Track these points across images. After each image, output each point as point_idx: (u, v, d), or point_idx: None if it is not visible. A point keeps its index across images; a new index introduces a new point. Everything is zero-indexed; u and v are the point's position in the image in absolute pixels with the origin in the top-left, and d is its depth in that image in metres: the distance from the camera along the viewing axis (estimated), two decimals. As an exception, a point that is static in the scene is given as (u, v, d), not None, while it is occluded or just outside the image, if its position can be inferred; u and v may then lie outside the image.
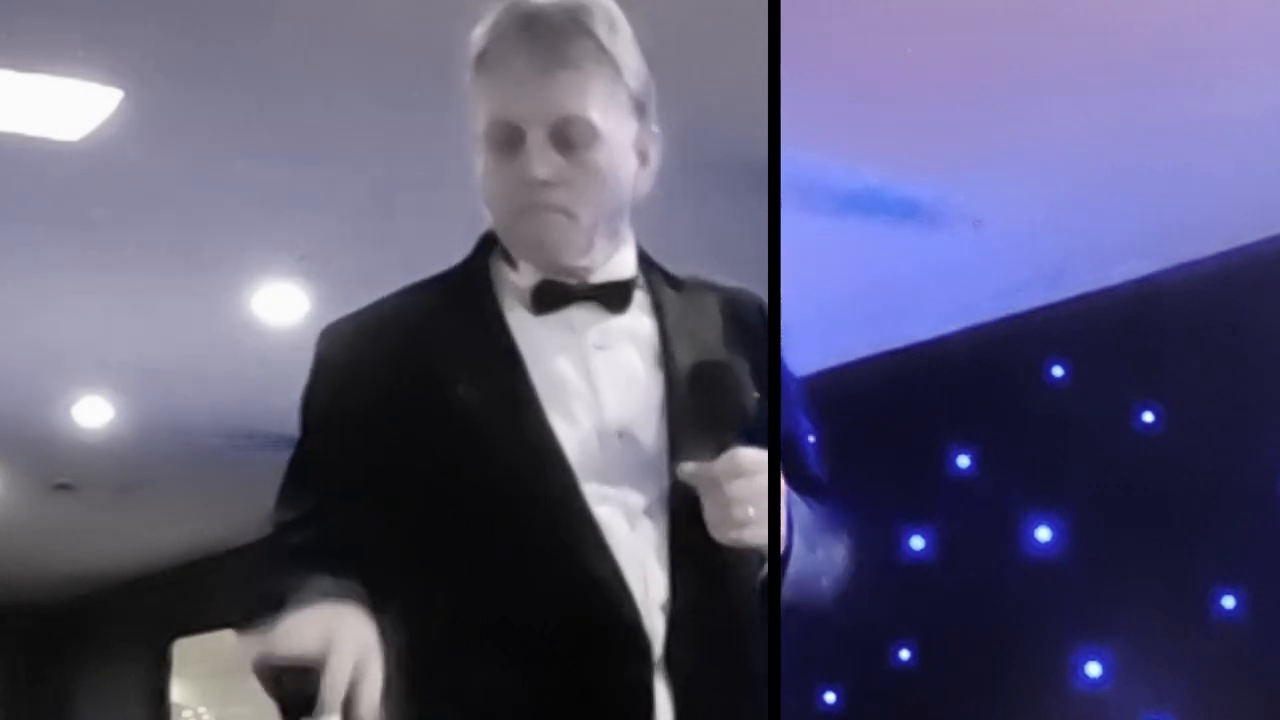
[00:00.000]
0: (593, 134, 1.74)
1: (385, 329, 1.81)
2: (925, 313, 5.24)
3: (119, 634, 12.09)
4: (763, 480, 1.65)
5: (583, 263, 1.78)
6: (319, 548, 1.66)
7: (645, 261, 1.89)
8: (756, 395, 1.77)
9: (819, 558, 1.84)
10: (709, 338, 1.82)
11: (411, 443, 1.71)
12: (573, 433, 1.71)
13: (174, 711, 12.05)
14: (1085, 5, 3.56)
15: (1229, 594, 4.27)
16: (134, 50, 4.03)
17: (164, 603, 11.43)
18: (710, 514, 1.65)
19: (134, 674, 11.93)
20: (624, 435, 1.73)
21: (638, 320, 1.80)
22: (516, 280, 1.80)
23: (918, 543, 4.91)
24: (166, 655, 11.74)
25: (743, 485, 1.64)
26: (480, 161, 1.81)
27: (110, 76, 4.14)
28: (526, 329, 1.76)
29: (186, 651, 11.72)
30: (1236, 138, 4.02)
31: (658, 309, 1.82)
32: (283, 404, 7.83)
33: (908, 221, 4.56)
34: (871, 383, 5.12)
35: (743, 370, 1.78)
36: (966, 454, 4.93)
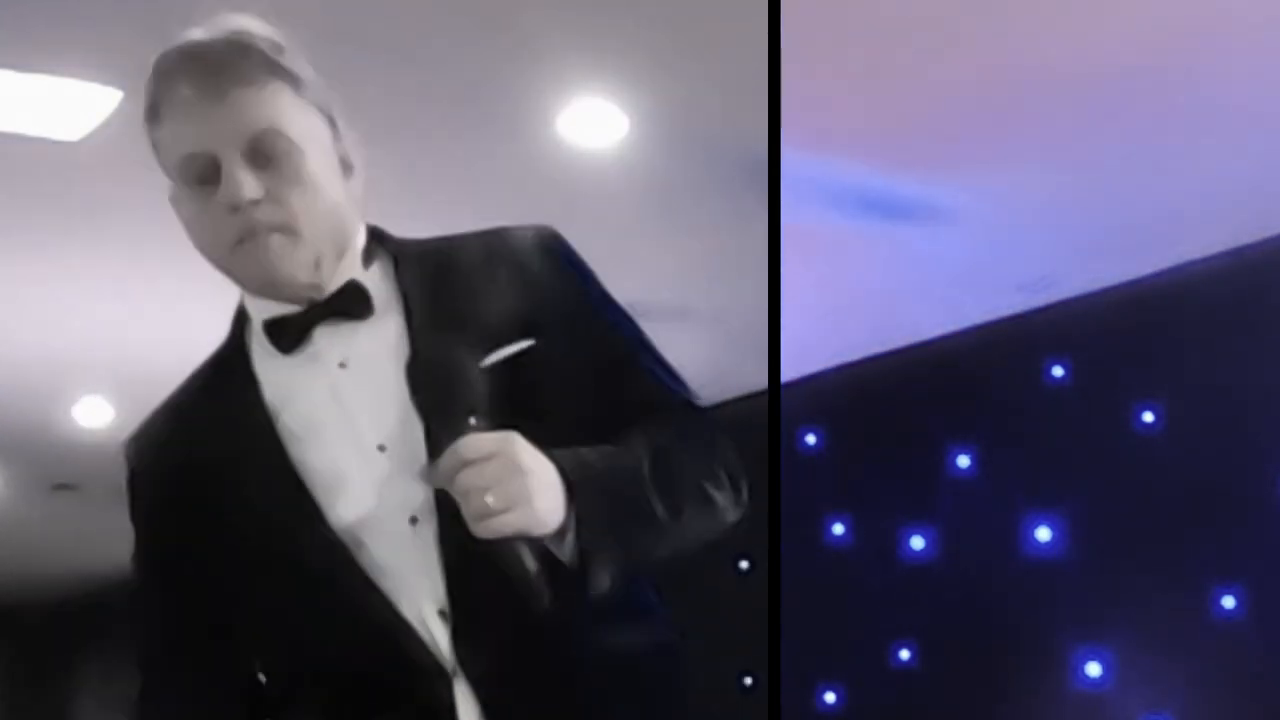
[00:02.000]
0: (288, 144, 1.70)
1: (170, 424, 1.87)
2: (925, 313, 5.24)
3: (119, 634, 12.10)
4: (498, 465, 1.54)
5: (312, 280, 1.73)
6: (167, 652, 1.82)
7: (395, 247, 1.85)
8: (522, 343, 1.68)
9: (645, 524, 1.67)
10: (460, 298, 1.74)
11: (202, 525, 1.74)
12: (328, 463, 1.68)
13: (174, 711, 12.06)
14: (1086, 5, 3.57)
15: (1229, 594, 4.27)
16: (134, 50, 4.03)
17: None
18: (462, 510, 1.56)
19: (134, 674, 11.93)
20: (384, 448, 1.68)
21: (383, 321, 1.74)
22: (255, 327, 1.79)
23: (918, 543, 4.91)
24: (166, 655, 11.76)
25: (473, 475, 1.54)
26: (182, 205, 1.79)
27: (110, 76, 4.13)
28: (275, 372, 1.75)
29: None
30: (1236, 137, 4.02)
31: (405, 300, 1.75)
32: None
33: (908, 221, 4.56)
34: (871, 383, 5.12)
35: (467, 353, 1.66)
36: (966, 454, 4.93)
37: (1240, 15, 3.55)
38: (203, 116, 1.69)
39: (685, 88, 4.11)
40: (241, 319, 1.85)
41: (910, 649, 4.84)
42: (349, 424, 1.69)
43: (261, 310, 1.78)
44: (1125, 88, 3.84)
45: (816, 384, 5.08)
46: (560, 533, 1.58)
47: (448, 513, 1.60)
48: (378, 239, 1.84)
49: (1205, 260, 4.50)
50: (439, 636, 1.64)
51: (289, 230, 1.69)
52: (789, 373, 3.79)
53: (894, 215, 4.52)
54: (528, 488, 1.55)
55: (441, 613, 1.64)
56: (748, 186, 3.59)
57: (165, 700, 1.79)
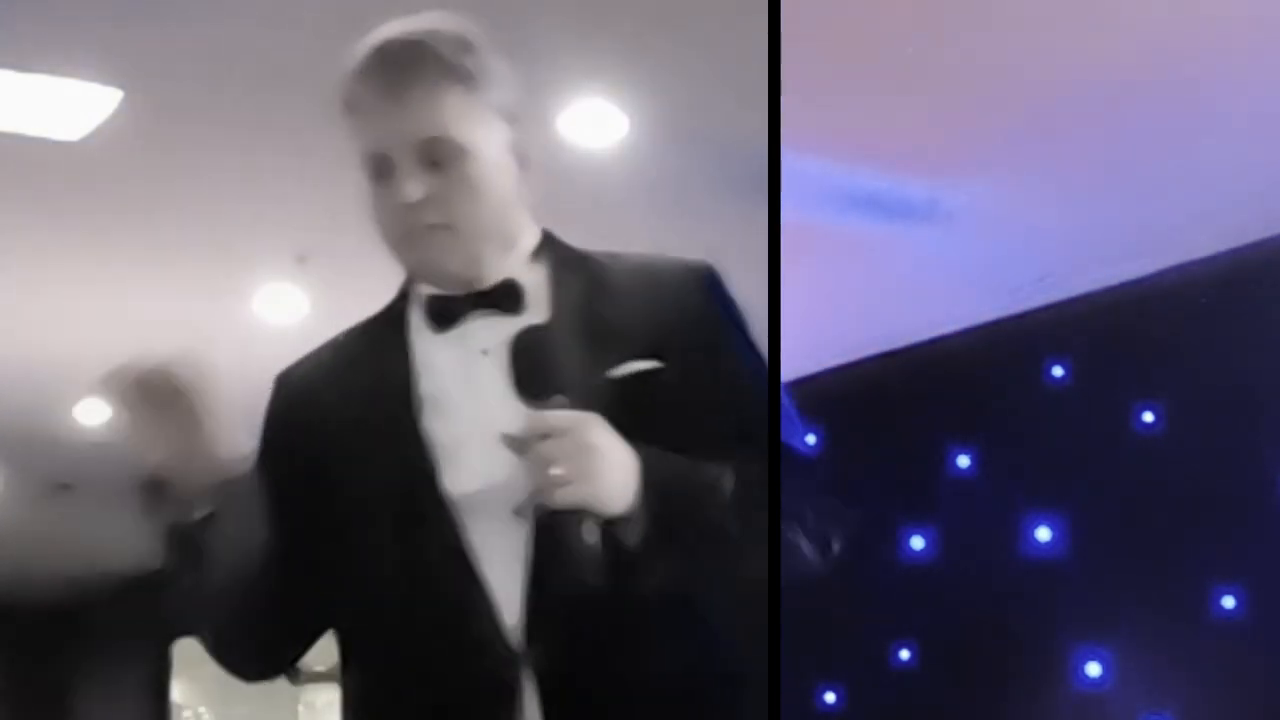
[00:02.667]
0: (458, 149, 1.80)
1: (323, 370, 1.96)
2: (925, 313, 5.24)
3: (119, 634, 12.08)
4: (569, 440, 1.64)
5: (469, 275, 1.85)
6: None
7: (557, 250, 1.92)
8: (649, 362, 1.76)
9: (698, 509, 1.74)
10: (603, 308, 1.82)
11: (310, 465, 1.85)
12: (451, 438, 1.78)
13: (174, 711, 12.04)
14: (1086, 7, 3.57)
15: (1229, 594, 4.27)
16: (134, 50, 4.03)
17: (164, 603, 11.41)
18: (531, 481, 1.67)
19: (134, 674, 11.92)
20: (507, 436, 1.74)
21: (532, 319, 1.83)
22: (418, 300, 1.91)
23: (918, 543, 4.91)
24: (166, 655, 11.74)
25: (551, 446, 1.64)
26: (365, 197, 1.90)
27: (110, 76, 4.14)
28: (427, 347, 1.86)
29: (186, 651, 11.72)
30: (1236, 138, 4.02)
31: (555, 300, 1.85)
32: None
33: (908, 221, 4.56)
34: (871, 383, 5.12)
35: (595, 360, 1.76)
36: (966, 454, 4.93)
37: (1240, 16, 3.55)
38: (381, 118, 1.82)
39: (685, 88, 4.12)
40: (407, 288, 1.95)
41: (910, 649, 4.84)
42: (479, 407, 1.77)
43: (425, 288, 1.89)
44: (1125, 88, 3.84)
45: (816, 384, 5.08)
46: (626, 518, 1.66)
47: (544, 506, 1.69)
48: (548, 242, 1.93)
49: (1205, 260, 4.49)
50: (514, 621, 1.72)
51: (452, 228, 1.80)
52: (789, 373, 3.79)
53: (894, 215, 4.52)
54: (594, 465, 1.65)
55: (524, 602, 1.72)
56: (748, 186, 3.58)
57: (236, 634, 1.92)
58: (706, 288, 1.88)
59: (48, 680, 12.83)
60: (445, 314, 1.85)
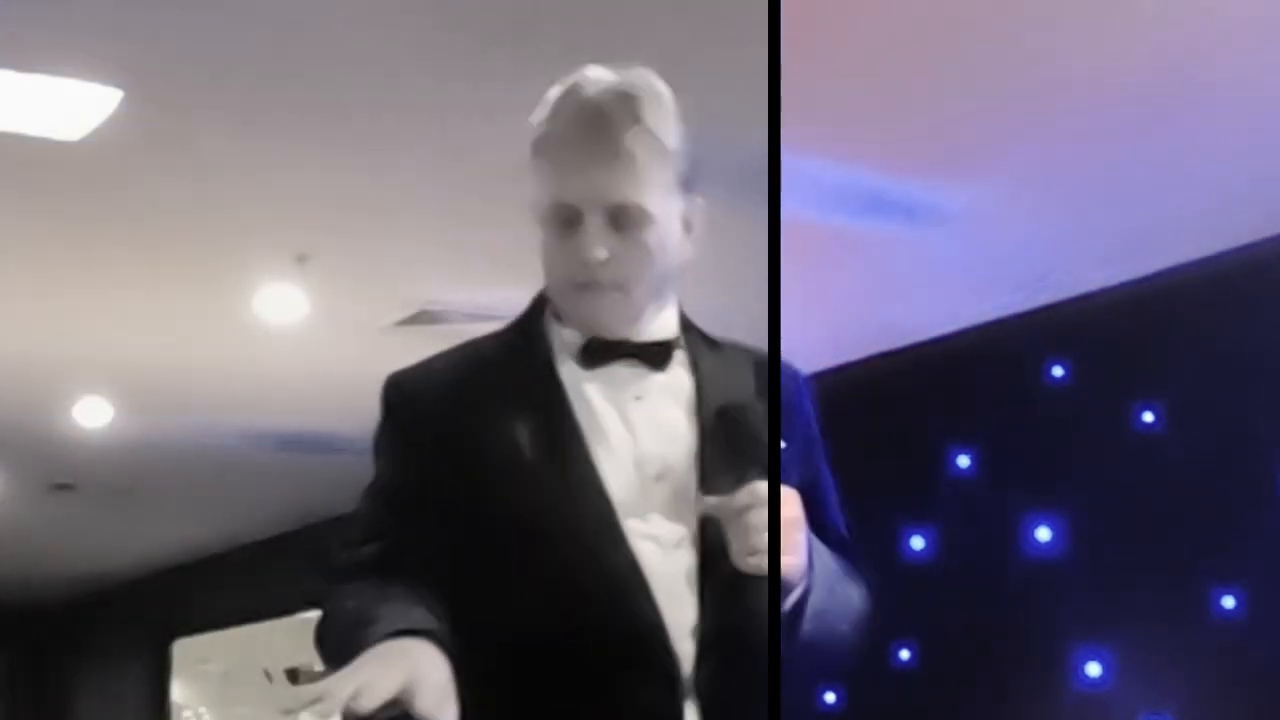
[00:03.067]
0: (644, 217, 1.87)
1: (444, 377, 1.96)
2: (925, 313, 5.24)
3: (119, 634, 12.08)
4: (784, 512, 1.78)
5: (627, 333, 1.92)
6: (383, 563, 1.84)
7: (685, 323, 2.02)
8: (783, 444, 1.91)
9: (839, 600, 1.94)
10: (741, 392, 1.95)
11: (466, 476, 1.86)
12: (613, 472, 1.86)
13: (174, 711, 12.04)
14: (1086, 8, 3.57)
15: (1229, 594, 4.27)
16: (134, 50, 4.02)
17: (164, 603, 11.42)
18: (732, 543, 1.77)
19: (134, 674, 11.93)
20: (660, 478, 1.86)
21: (676, 376, 1.94)
22: (567, 337, 1.93)
23: (918, 543, 4.92)
24: (166, 655, 11.75)
25: (760, 514, 1.76)
26: (541, 235, 1.94)
27: (110, 76, 4.13)
28: (574, 380, 1.91)
29: (186, 651, 11.72)
30: (1236, 138, 4.02)
31: (695, 366, 1.96)
32: (282, 404, 7.83)
33: (908, 221, 4.56)
34: (871, 383, 5.13)
35: (760, 414, 1.91)
36: (966, 454, 4.93)
37: (1240, 17, 3.55)
38: (581, 175, 1.87)
39: (685, 88, 4.11)
40: (542, 308, 1.99)
41: (910, 649, 4.84)
42: (633, 445, 1.87)
43: (582, 331, 1.94)
44: (1125, 90, 3.84)
45: (817, 384, 5.08)
46: (790, 589, 1.82)
47: (711, 546, 1.81)
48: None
49: (1205, 260, 4.50)
50: (685, 652, 1.80)
51: (624, 289, 1.88)
52: (789, 373, 3.79)
53: (894, 215, 4.53)
54: (798, 540, 1.80)
55: (690, 631, 1.81)
56: (748, 186, 3.58)
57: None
58: (800, 387, 2.06)
59: (48, 680, 12.84)
60: (598, 355, 1.92)
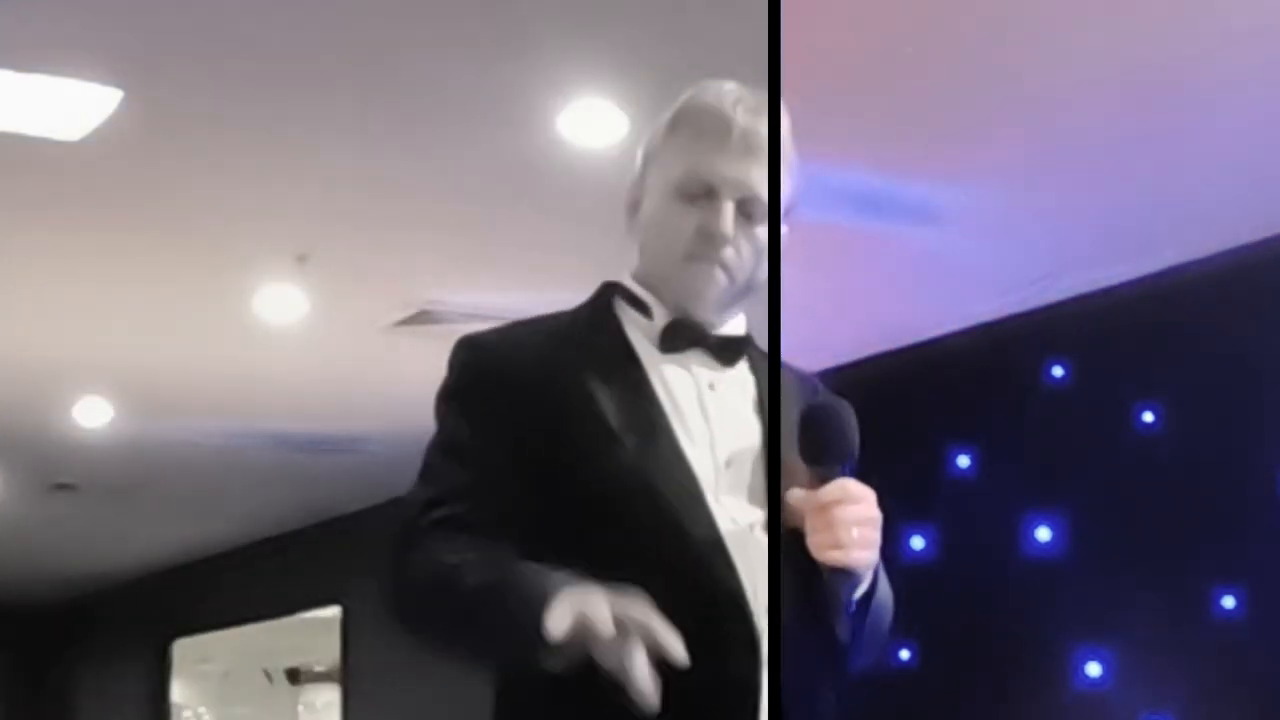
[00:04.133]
0: (763, 213, 1.96)
1: (526, 342, 1.98)
2: (925, 313, 5.25)
3: (119, 634, 12.07)
4: (862, 509, 1.85)
5: (713, 318, 1.98)
6: (465, 522, 1.84)
7: (749, 336, 2.10)
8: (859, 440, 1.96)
9: (886, 597, 2.00)
10: (823, 400, 2.02)
11: (553, 439, 1.88)
12: (693, 451, 1.90)
13: (174, 711, 12.04)
14: (1085, 7, 3.57)
15: (1229, 594, 4.27)
16: (134, 50, 4.02)
17: (164, 603, 11.42)
18: (814, 534, 1.83)
19: (134, 674, 11.92)
20: (730, 464, 1.91)
21: (742, 374, 2.00)
22: (646, 321, 1.99)
23: (918, 543, 4.92)
24: (166, 655, 11.74)
25: (847, 510, 1.84)
26: (658, 206, 2.00)
27: (110, 76, 4.13)
28: (653, 362, 1.96)
29: (186, 651, 11.72)
30: (1235, 139, 4.02)
31: (755, 370, 2.02)
32: (282, 404, 7.81)
33: (908, 221, 4.56)
34: (871, 383, 5.13)
35: (848, 415, 1.97)
36: (966, 454, 4.94)
37: (1240, 17, 3.55)
38: (729, 158, 1.95)
39: (685, 88, 4.11)
40: (608, 297, 2.03)
41: (910, 649, 4.85)
42: (706, 430, 1.92)
43: (666, 313, 1.98)
44: (1125, 90, 3.85)
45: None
46: (857, 585, 1.88)
47: (777, 531, 1.87)
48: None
49: (1205, 260, 4.50)
50: (762, 626, 1.84)
51: (730, 272, 1.95)
52: (789, 373, 3.79)
53: (894, 215, 4.53)
54: (875, 537, 1.87)
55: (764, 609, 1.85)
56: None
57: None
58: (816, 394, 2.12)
59: (48, 680, 12.84)
60: (680, 338, 1.98)
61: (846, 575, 1.86)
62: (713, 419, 1.94)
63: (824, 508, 1.84)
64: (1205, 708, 4.23)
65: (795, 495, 1.87)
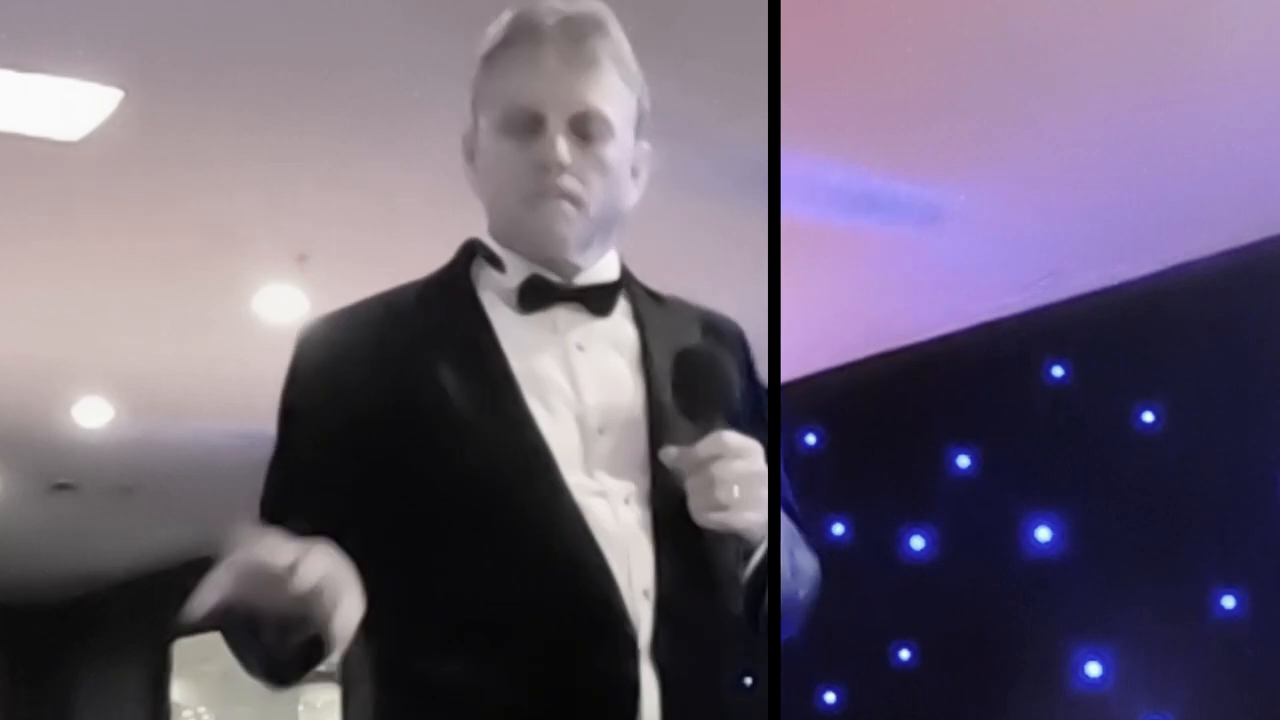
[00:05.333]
0: (608, 130, 1.79)
1: (365, 328, 1.83)
2: (925, 313, 5.24)
3: (119, 634, 12.08)
4: (746, 464, 1.67)
5: (577, 259, 1.81)
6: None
7: (628, 275, 1.89)
8: (740, 394, 1.76)
9: (797, 565, 1.80)
10: (695, 344, 1.83)
11: (395, 434, 1.72)
12: (554, 425, 1.73)
13: (174, 711, 12.04)
14: (1085, 8, 3.57)
15: (1229, 594, 4.27)
16: (134, 50, 4.02)
17: (164, 603, 11.41)
18: (693, 497, 1.66)
19: (134, 674, 11.93)
20: (604, 432, 1.75)
21: (619, 325, 1.83)
22: (502, 280, 1.82)
23: (918, 543, 4.91)
24: (166, 655, 11.74)
25: (725, 466, 1.65)
26: (488, 150, 1.84)
27: (110, 76, 4.13)
28: (510, 327, 1.78)
29: (186, 651, 11.72)
30: (1236, 137, 4.02)
31: (638, 317, 1.85)
32: (283, 404, 7.65)
33: (908, 221, 4.56)
34: (871, 383, 5.12)
35: (728, 361, 1.79)
36: (966, 454, 4.93)
37: (1239, 16, 3.55)
38: (548, 78, 1.78)
39: (685, 88, 4.12)
40: (468, 256, 1.88)
41: (910, 649, 4.84)
42: (575, 397, 1.75)
43: (521, 268, 1.81)
44: (1125, 88, 3.84)
45: (816, 384, 5.08)
46: (753, 548, 1.71)
47: (664, 502, 1.70)
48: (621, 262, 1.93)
49: (1205, 260, 4.49)
50: (642, 614, 1.68)
51: (580, 204, 1.77)
52: (789, 373, 3.79)
53: (894, 215, 4.52)
54: (761, 494, 1.68)
55: (645, 592, 1.69)
56: (748, 186, 3.58)
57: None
58: (748, 353, 1.93)
59: (48, 680, 12.84)
60: (538, 296, 1.79)
61: (735, 540, 1.70)
62: (582, 383, 1.76)
63: (701, 465, 1.65)
64: (1205, 708, 4.22)
65: (669, 454, 1.69)
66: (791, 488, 1.88)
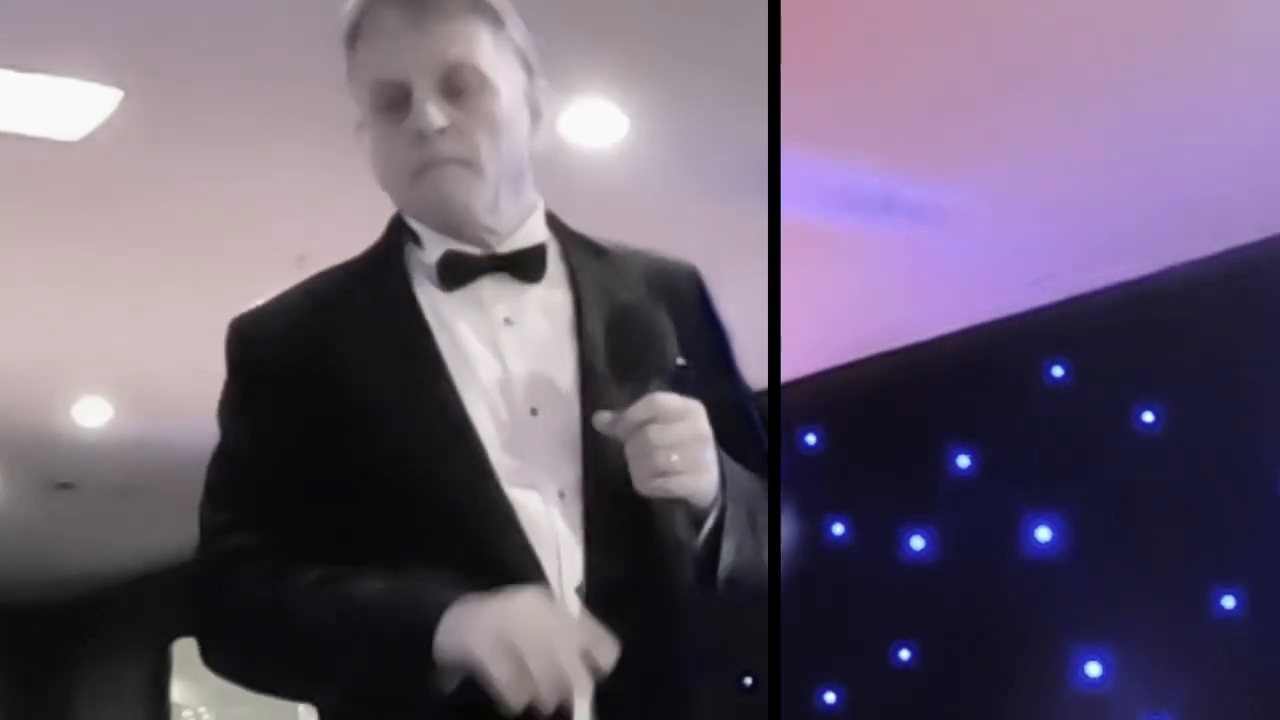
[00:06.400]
0: (481, 80, 1.69)
1: (293, 310, 1.77)
2: (925, 313, 5.24)
3: (119, 634, 12.07)
4: (686, 426, 1.57)
5: (489, 221, 1.71)
6: (252, 545, 1.65)
7: (562, 230, 1.80)
8: (680, 358, 1.67)
9: (760, 531, 1.69)
10: (628, 301, 1.72)
11: (322, 427, 1.66)
12: (484, 408, 1.65)
13: (174, 711, 12.03)
14: (1085, 6, 3.57)
15: (1229, 594, 4.27)
16: (134, 50, 4.02)
17: (164, 603, 11.41)
18: (632, 464, 1.57)
19: (134, 674, 11.92)
20: (536, 412, 1.66)
21: (551, 291, 1.73)
22: (423, 257, 1.73)
23: (918, 543, 4.91)
24: (166, 655, 11.73)
25: (661, 431, 1.56)
26: (367, 136, 1.76)
27: (110, 76, 4.13)
28: (436, 306, 1.70)
29: (186, 651, 11.70)
30: (1236, 138, 4.02)
31: (573, 277, 1.74)
32: (283, 404, 7.61)
33: (908, 221, 4.56)
34: (871, 383, 5.13)
35: (661, 321, 1.68)
36: (966, 454, 4.93)
37: (1240, 16, 3.55)
38: (402, 45, 1.68)
39: (685, 88, 4.12)
40: (397, 233, 1.79)
41: (910, 649, 4.84)
42: (505, 375, 1.66)
43: (438, 244, 1.72)
44: (1125, 88, 3.84)
45: (816, 384, 5.08)
46: (705, 513, 1.60)
47: (598, 485, 1.61)
48: (550, 216, 1.82)
49: (1205, 260, 4.49)
50: (572, 607, 1.60)
51: (471, 164, 1.68)
52: (789, 373, 3.80)
53: (894, 215, 4.52)
54: (706, 456, 1.58)
55: (578, 589, 1.61)
56: (748, 186, 3.58)
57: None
58: (705, 293, 1.82)
59: (48, 680, 12.84)
60: (458, 271, 1.70)
61: (685, 507, 1.60)
62: (511, 360, 1.66)
63: (637, 430, 1.56)
64: (1205, 708, 4.23)
65: (602, 419, 1.59)
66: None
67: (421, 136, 1.66)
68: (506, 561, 1.58)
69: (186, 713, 12.51)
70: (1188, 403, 4.46)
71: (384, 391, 1.65)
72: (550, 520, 1.62)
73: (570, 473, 1.64)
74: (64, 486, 8.86)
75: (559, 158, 4.48)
